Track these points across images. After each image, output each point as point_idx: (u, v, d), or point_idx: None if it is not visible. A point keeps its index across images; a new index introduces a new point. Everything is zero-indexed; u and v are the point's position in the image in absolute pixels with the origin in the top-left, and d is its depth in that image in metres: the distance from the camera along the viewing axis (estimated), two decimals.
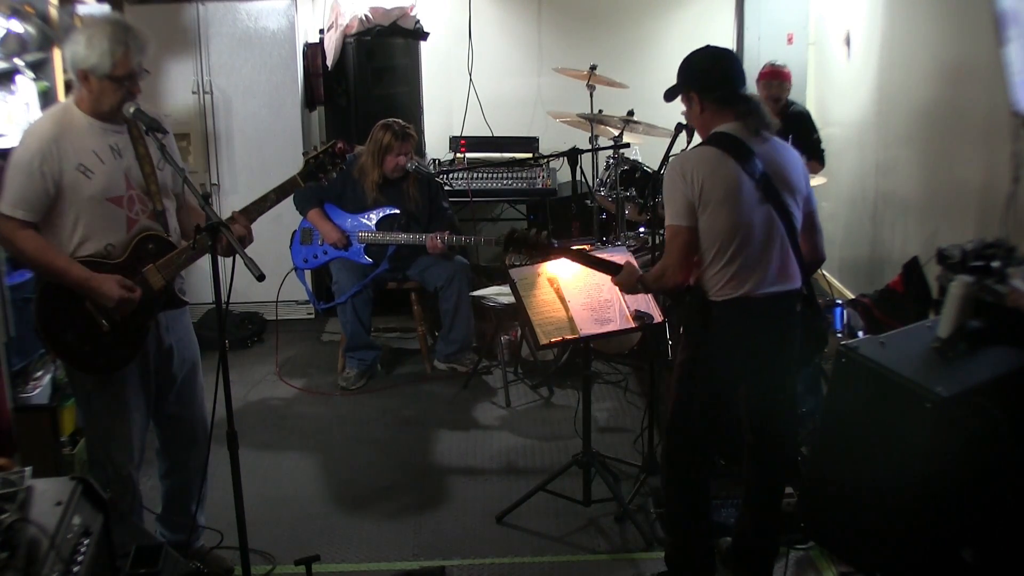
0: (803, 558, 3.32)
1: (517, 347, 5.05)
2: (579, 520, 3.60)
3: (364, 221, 4.90)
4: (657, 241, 4.29)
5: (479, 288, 5.11)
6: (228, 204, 5.46)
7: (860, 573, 3.06)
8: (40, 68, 4.06)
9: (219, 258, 2.68)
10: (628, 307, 3.45)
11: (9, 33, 3.87)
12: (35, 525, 2.01)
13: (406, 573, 3.23)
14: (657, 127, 5.20)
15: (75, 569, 2.02)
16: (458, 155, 6.22)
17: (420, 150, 5.96)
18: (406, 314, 5.29)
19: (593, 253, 3.25)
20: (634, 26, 6.69)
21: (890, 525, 2.55)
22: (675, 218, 2.77)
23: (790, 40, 6.67)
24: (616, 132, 5.42)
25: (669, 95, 2.94)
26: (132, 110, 2.78)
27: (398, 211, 4.89)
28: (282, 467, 4.11)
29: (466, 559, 3.38)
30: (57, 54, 4.05)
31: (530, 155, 6.13)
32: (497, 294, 4.93)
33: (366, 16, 5.77)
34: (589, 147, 5.34)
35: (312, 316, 5.99)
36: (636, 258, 3.78)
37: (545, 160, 5.98)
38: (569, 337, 3.40)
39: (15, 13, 3.90)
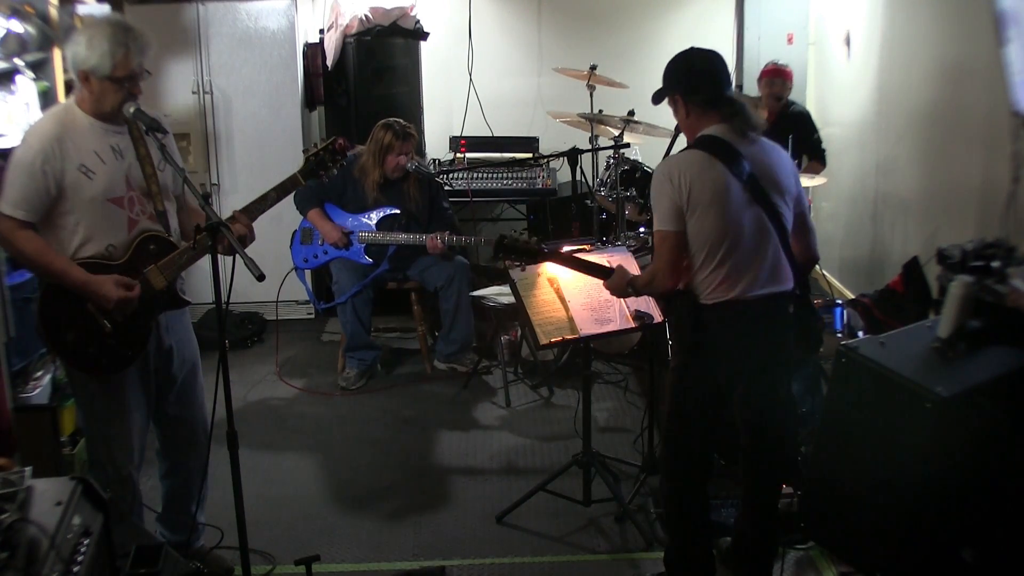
0: (803, 558, 3.32)
1: (517, 347, 5.05)
2: (579, 520, 3.60)
3: (364, 221, 4.90)
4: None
5: (479, 288, 5.11)
6: (228, 204, 5.46)
7: (860, 573, 3.06)
8: (40, 68, 4.06)
9: (219, 258, 2.68)
10: (628, 307, 3.45)
11: (9, 33, 3.88)
12: (35, 525, 2.01)
13: (406, 573, 3.23)
14: (657, 127, 5.21)
15: (75, 569, 2.02)
16: (458, 155, 6.23)
17: (420, 150, 5.96)
18: (406, 314, 5.29)
19: (584, 257, 3.23)
20: (634, 26, 6.69)
21: (890, 525, 2.55)
22: (663, 223, 2.76)
23: (790, 40, 6.67)
24: (616, 132, 5.42)
25: (656, 98, 2.93)
26: (132, 110, 2.78)
27: (398, 211, 4.89)
28: (282, 467, 4.12)
29: (466, 559, 3.38)
30: (57, 54, 4.05)
31: (530, 155, 6.13)
32: (497, 294, 4.93)
33: (366, 16, 5.78)
34: (589, 147, 5.33)
35: (312, 316, 5.99)
36: (636, 258, 3.79)
37: (545, 160, 5.98)
38: (569, 337, 3.40)
39: (15, 13, 3.90)
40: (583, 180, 5.07)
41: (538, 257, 3.13)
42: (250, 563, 2.91)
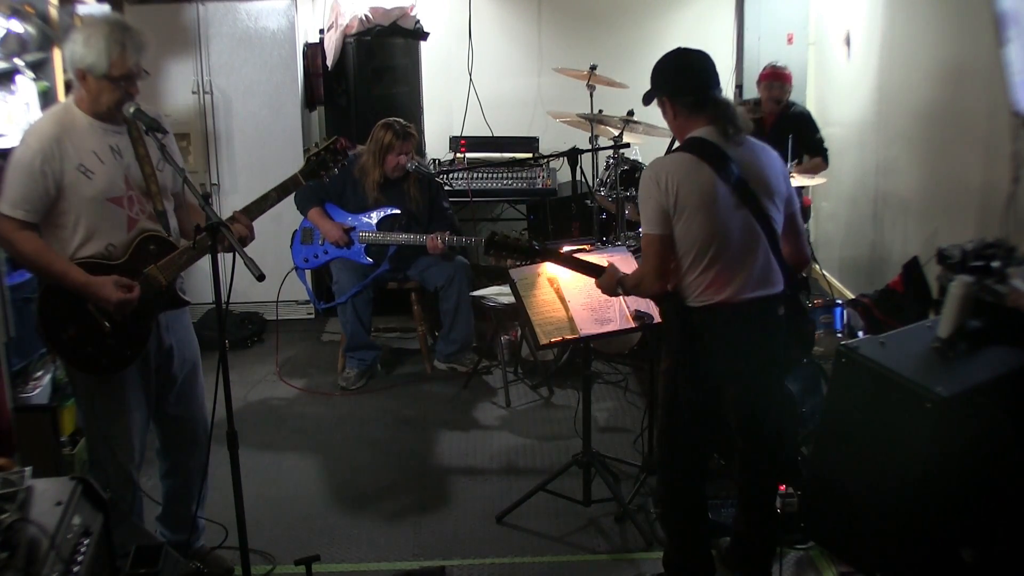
0: (803, 558, 3.32)
1: (517, 347, 5.05)
2: (579, 520, 3.60)
3: (365, 221, 4.90)
4: None
5: (479, 288, 5.10)
6: (228, 204, 5.47)
7: (860, 573, 3.06)
8: (40, 68, 4.06)
9: (219, 258, 2.68)
10: (628, 307, 3.45)
11: (9, 33, 3.88)
12: (35, 525, 2.01)
13: (406, 573, 3.23)
14: (657, 127, 5.20)
15: (75, 569, 2.02)
16: (458, 155, 6.23)
17: (420, 150, 5.96)
18: (406, 314, 5.29)
19: (576, 255, 3.23)
20: (634, 26, 6.69)
21: (890, 525, 2.55)
22: (650, 226, 2.75)
23: (790, 40, 6.68)
24: (616, 132, 5.42)
25: (646, 99, 2.92)
26: (132, 110, 2.78)
27: (399, 211, 4.89)
28: (282, 467, 4.11)
29: (466, 559, 3.38)
30: (57, 54, 4.05)
31: (530, 155, 6.13)
32: (497, 294, 4.93)
33: (366, 16, 5.78)
34: (589, 147, 5.33)
35: (312, 316, 5.99)
36: (636, 258, 3.78)
37: (545, 160, 5.98)
38: (569, 337, 3.40)
39: (15, 13, 3.90)
40: (583, 180, 5.08)
41: (528, 254, 3.12)
42: (250, 563, 2.91)
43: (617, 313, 3.45)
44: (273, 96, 5.71)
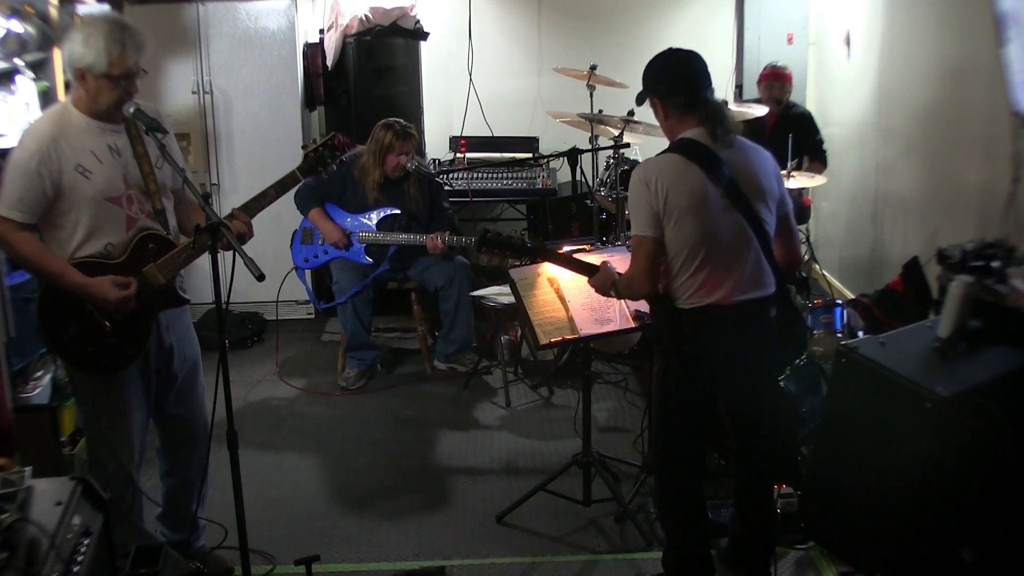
0: (803, 558, 3.32)
1: (517, 347, 5.05)
2: (579, 520, 3.60)
3: (365, 221, 4.90)
4: None
5: (479, 288, 5.10)
6: (228, 204, 5.42)
7: (860, 573, 3.06)
8: (40, 68, 4.06)
9: (219, 258, 2.68)
10: (628, 307, 3.45)
11: (9, 33, 3.88)
12: (35, 525, 2.01)
13: (406, 573, 3.23)
14: (657, 127, 5.17)
15: (75, 569, 2.02)
16: (458, 155, 6.23)
17: (420, 150, 5.96)
18: (406, 314, 5.29)
19: (570, 253, 3.22)
20: (634, 26, 6.69)
21: (890, 525, 2.55)
22: (640, 228, 2.74)
23: (790, 40, 6.68)
24: (616, 132, 5.41)
25: (639, 99, 2.91)
26: (132, 110, 2.78)
27: (399, 211, 4.89)
28: (282, 467, 4.11)
29: (466, 559, 3.38)
30: (57, 54, 4.06)
31: (530, 155, 6.13)
32: (497, 294, 4.93)
33: (366, 16, 5.77)
34: (589, 147, 5.33)
35: (312, 316, 5.99)
36: None
37: (545, 160, 5.97)
38: (569, 337, 3.40)
39: (15, 13, 3.90)
40: (583, 180, 5.08)
41: (520, 252, 3.12)
42: (250, 563, 2.91)
43: (617, 313, 3.44)
44: (273, 96, 5.71)
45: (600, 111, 5.57)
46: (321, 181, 4.63)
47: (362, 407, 4.74)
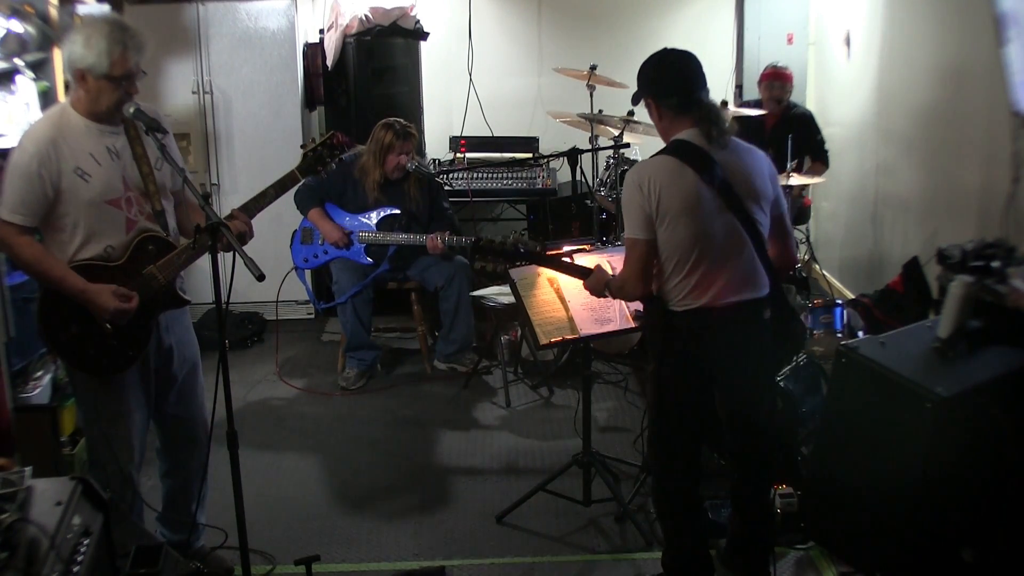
0: (803, 558, 3.32)
1: (517, 347, 5.05)
2: (579, 520, 3.60)
3: (365, 221, 4.90)
4: None
5: (479, 288, 5.10)
6: (228, 204, 5.42)
7: (860, 573, 3.06)
8: (40, 68, 4.06)
9: (219, 258, 2.68)
10: (628, 307, 3.45)
11: (9, 33, 3.88)
12: (35, 525, 2.01)
13: (406, 573, 3.23)
14: None
15: (75, 569, 2.02)
16: (458, 155, 6.23)
17: (420, 150, 5.96)
18: (406, 314, 5.29)
19: (563, 257, 3.22)
20: (634, 26, 6.69)
21: (890, 525, 2.55)
22: (632, 230, 2.73)
23: (790, 40, 6.68)
24: (616, 132, 5.42)
25: (634, 100, 2.90)
26: (132, 110, 2.78)
27: (399, 211, 4.89)
28: (282, 467, 4.11)
29: (466, 559, 3.38)
30: (57, 54, 4.05)
31: (530, 155, 6.13)
32: (497, 294, 4.93)
33: (366, 16, 5.78)
34: (589, 147, 5.34)
35: (312, 316, 5.99)
36: None
37: (545, 160, 5.97)
38: (569, 337, 3.40)
39: (15, 13, 3.90)
40: (583, 180, 5.08)
41: (514, 257, 3.12)
42: (250, 563, 2.91)
43: (617, 313, 3.45)
44: (273, 96, 5.71)
45: (600, 111, 5.58)
46: (321, 181, 4.64)
47: (362, 407, 4.74)
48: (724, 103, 5.23)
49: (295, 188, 3.83)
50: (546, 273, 3.48)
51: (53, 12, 4.08)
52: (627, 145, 5.23)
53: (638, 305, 3.44)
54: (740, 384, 2.87)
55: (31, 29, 3.95)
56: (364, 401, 4.82)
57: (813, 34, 6.68)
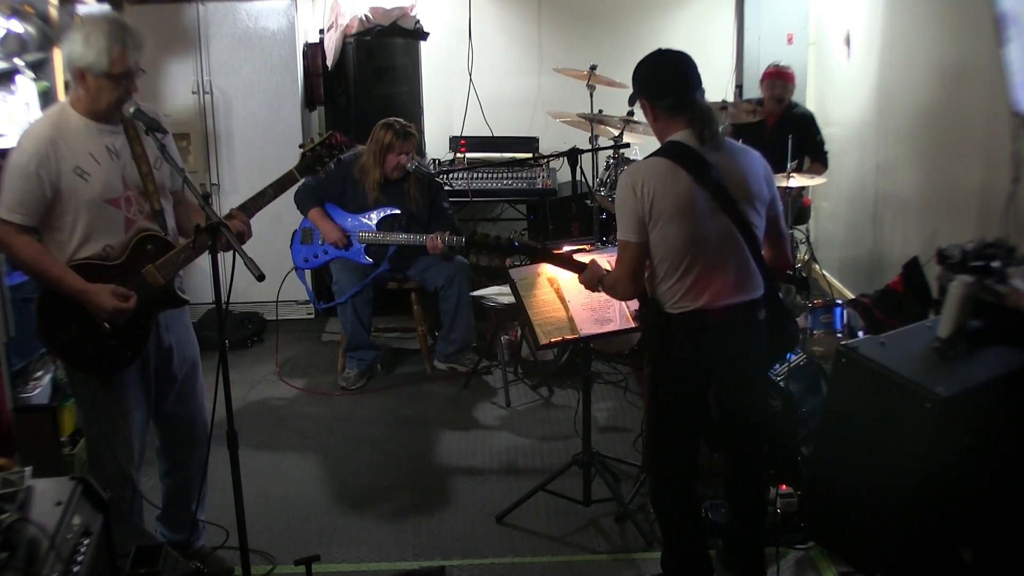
0: (803, 558, 3.32)
1: (517, 347, 5.05)
2: (579, 520, 3.60)
3: (365, 221, 4.90)
4: None
5: (479, 288, 5.11)
6: (228, 204, 5.39)
7: (860, 573, 3.06)
8: (40, 68, 4.06)
9: (219, 258, 2.68)
10: (628, 307, 3.45)
11: (9, 33, 3.88)
12: (35, 525, 2.01)
13: (406, 573, 3.23)
14: None
15: (75, 569, 2.02)
16: (458, 155, 6.23)
17: (420, 150, 5.96)
18: (406, 314, 5.29)
19: (559, 251, 3.23)
20: (634, 26, 6.69)
21: (890, 525, 2.55)
22: (626, 233, 2.73)
23: (790, 40, 6.68)
24: (616, 132, 5.42)
25: (630, 100, 2.89)
26: (132, 110, 2.78)
27: (399, 211, 4.89)
28: (282, 467, 4.11)
29: (466, 559, 3.38)
30: (57, 54, 4.06)
31: (530, 155, 6.13)
32: (497, 294, 4.93)
33: (366, 16, 5.78)
34: (589, 147, 5.34)
35: (312, 316, 5.99)
36: None
37: (545, 160, 5.98)
38: (569, 337, 3.40)
39: (15, 13, 3.91)
40: (583, 180, 5.08)
41: (508, 252, 3.13)
42: (250, 563, 2.91)
43: (617, 313, 3.45)
44: (273, 96, 5.71)
45: (600, 111, 5.58)
46: (321, 181, 4.64)
47: (362, 407, 4.74)
48: (724, 104, 5.24)
49: (295, 188, 3.83)
50: (546, 273, 3.49)
51: (53, 12, 4.08)
52: (627, 145, 5.24)
53: (638, 305, 3.45)
54: (736, 384, 2.87)
55: (31, 29, 3.96)
56: (364, 401, 4.82)
57: (813, 34, 6.67)
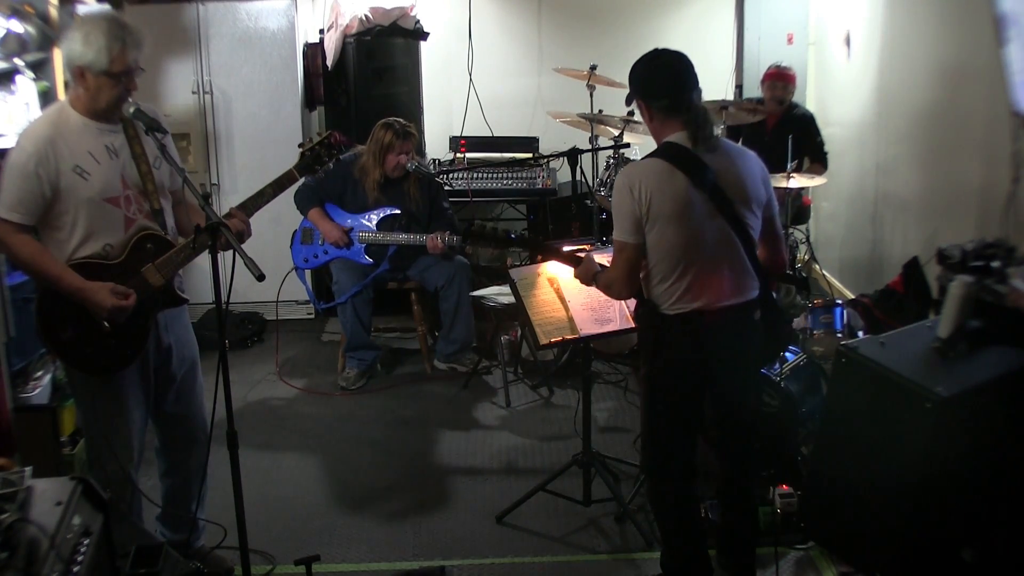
0: (803, 558, 3.32)
1: (517, 347, 5.05)
2: (579, 520, 3.60)
3: (365, 221, 4.90)
4: None
5: (479, 288, 5.11)
6: (228, 204, 5.38)
7: (860, 573, 3.06)
8: (40, 68, 4.06)
9: (219, 259, 2.68)
10: (628, 307, 3.45)
11: (9, 33, 3.88)
12: (35, 525, 2.01)
13: (406, 573, 3.23)
14: None
15: (75, 569, 2.02)
16: (458, 155, 6.23)
17: (420, 150, 5.96)
18: (406, 314, 5.29)
19: (558, 246, 3.23)
20: (634, 26, 6.69)
21: (890, 525, 2.55)
22: (621, 233, 2.73)
23: (790, 40, 6.68)
24: (616, 132, 5.42)
25: (627, 100, 2.89)
26: (132, 110, 2.78)
27: (399, 211, 4.89)
28: (282, 467, 4.11)
29: (466, 559, 3.38)
30: (57, 54, 4.06)
31: (530, 155, 6.13)
32: (497, 294, 4.93)
33: (366, 16, 5.78)
34: (589, 147, 5.33)
35: (312, 316, 5.99)
36: None
37: (545, 160, 5.98)
38: (569, 337, 3.40)
39: (15, 13, 3.91)
40: (583, 180, 5.08)
41: (504, 243, 3.13)
42: (250, 563, 2.91)
43: (617, 313, 3.45)
44: (273, 96, 5.71)
45: (600, 111, 5.58)
46: (321, 181, 4.65)
47: (362, 407, 4.74)
48: (724, 104, 5.24)
49: (295, 188, 3.84)
50: (546, 273, 3.49)
51: (53, 12, 4.08)
52: (627, 145, 5.23)
53: None
54: (731, 384, 2.88)
55: (31, 29, 3.96)
56: (364, 401, 4.82)
57: (813, 34, 6.68)
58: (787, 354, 3.94)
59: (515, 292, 3.47)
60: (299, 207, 4.91)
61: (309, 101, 5.96)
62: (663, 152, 2.74)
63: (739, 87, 6.77)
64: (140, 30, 2.79)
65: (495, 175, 5.99)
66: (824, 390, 3.76)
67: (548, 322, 3.39)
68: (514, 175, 6.00)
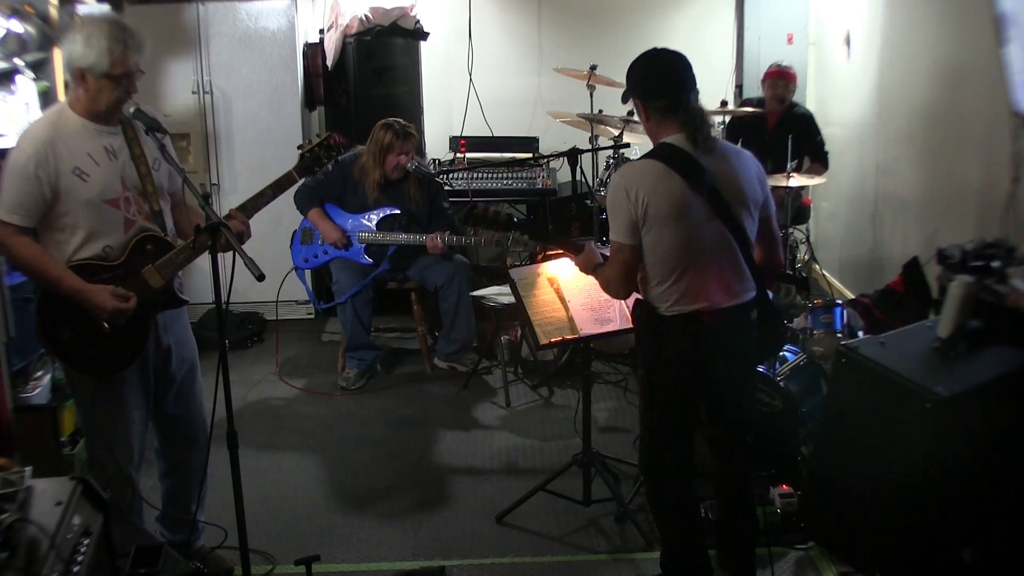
0: (803, 558, 3.32)
1: (517, 347, 5.05)
2: (579, 520, 3.60)
3: (364, 221, 4.90)
4: None
5: (479, 288, 5.11)
6: (228, 204, 5.40)
7: (860, 573, 3.06)
8: (40, 68, 4.06)
9: (219, 259, 2.68)
10: (628, 307, 3.45)
11: (9, 33, 3.88)
12: (35, 525, 2.01)
13: (406, 573, 3.23)
14: None
15: (75, 569, 2.02)
16: (458, 155, 6.23)
17: (420, 150, 5.96)
18: (406, 314, 5.29)
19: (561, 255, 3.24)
20: (634, 26, 6.69)
21: (890, 525, 2.55)
22: (618, 235, 2.72)
23: (790, 40, 6.68)
24: (616, 132, 5.42)
25: (623, 99, 2.88)
26: (132, 110, 2.78)
27: (399, 211, 4.89)
28: (282, 467, 4.11)
29: (466, 559, 3.38)
30: (57, 54, 4.06)
31: (530, 155, 6.13)
32: (497, 294, 4.93)
33: (366, 16, 5.78)
34: (589, 147, 5.33)
35: (312, 316, 5.99)
36: None
37: (545, 160, 5.97)
38: (569, 337, 3.40)
39: (15, 13, 3.91)
40: (583, 180, 5.08)
41: (505, 226, 3.14)
42: (250, 563, 2.91)
43: (617, 313, 3.45)
44: (273, 96, 5.71)
45: (600, 111, 5.58)
46: (321, 181, 4.65)
47: (362, 407, 4.74)
48: (724, 104, 5.24)
49: (295, 188, 3.84)
50: (546, 273, 3.49)
51: (53, 12, 4.08)
52: (627, 145, 5.23)
53: None
54: (728, 384, 2.88)
55: (31, 29, 3.96)
56: (364, 401, 4.82)
57: (813, 34, 6.68)
58: (787, 354, 3.94)
59: (515, 292, 3.47)
60: (299, 207, 4.91)
61: (309, 101, 5.96)
62: (659, 153, 2.72)
63: (739, 87, 6.77)
64: (141, 33, 2.79)
65: (495, 175, 5.99)
66: (824, 390, 3.76)
67: (548, 322, 3.39)
68: (514, 175, 6.00)
